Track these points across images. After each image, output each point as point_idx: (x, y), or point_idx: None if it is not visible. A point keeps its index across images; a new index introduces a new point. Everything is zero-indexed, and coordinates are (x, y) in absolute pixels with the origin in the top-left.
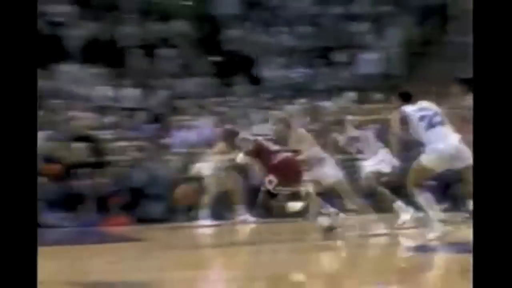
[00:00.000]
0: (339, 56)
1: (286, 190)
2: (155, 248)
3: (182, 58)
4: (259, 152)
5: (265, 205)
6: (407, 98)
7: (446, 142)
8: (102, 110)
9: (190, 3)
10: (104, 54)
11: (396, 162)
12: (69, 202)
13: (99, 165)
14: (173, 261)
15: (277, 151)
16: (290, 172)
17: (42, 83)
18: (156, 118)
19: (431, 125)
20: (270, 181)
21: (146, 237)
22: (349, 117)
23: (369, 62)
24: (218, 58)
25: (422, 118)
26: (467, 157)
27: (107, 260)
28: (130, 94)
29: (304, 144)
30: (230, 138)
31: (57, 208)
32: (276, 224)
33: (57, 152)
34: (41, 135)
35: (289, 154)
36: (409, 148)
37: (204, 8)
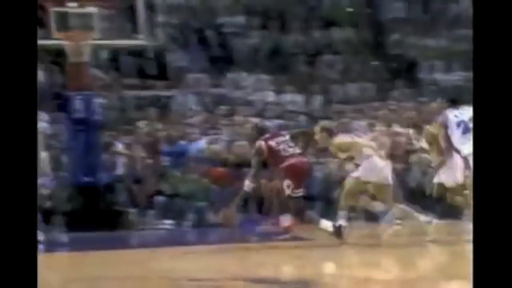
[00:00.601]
0: None
1: (299, 192)
2: (326, 246)
3: (344, 63)
4: (269, 155)
5: (298, 212)
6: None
7: None
8: (265, 114)
9: (354, 9)
10: (269, 61)
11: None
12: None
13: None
14: (348, 260)
15: (289, 155)
16: (299, 175)
17: (212, 90)
18: (317, 122)
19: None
20: (288, 186)
21: (313, 236)
22: None
23: None
24: (381, 63)
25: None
26: None
27: (278, 258)
28: (293, 99)
29: (355, 151)
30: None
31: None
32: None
33: (222, 155)
34: (205, 139)
35: (299, 158)
36: None
37: (368, 13)
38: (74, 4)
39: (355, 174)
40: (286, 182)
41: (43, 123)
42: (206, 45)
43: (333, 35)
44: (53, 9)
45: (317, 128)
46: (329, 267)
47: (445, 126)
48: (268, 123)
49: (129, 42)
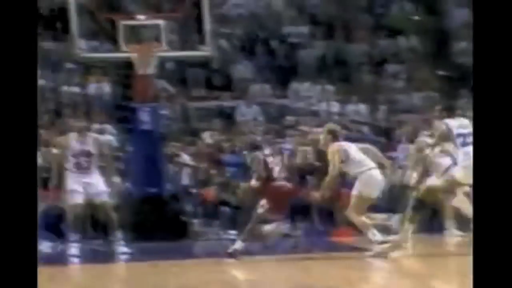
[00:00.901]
0: None
1: (274, 218)
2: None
3: (408, 72)
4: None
5: (252, 230)
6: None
7: None
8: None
9: (419, 17)
10: (333, 71)
11: None
12: (297, 212)
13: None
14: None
15: (274, 179)
16: (280, 200)
17: (276, 101)
18: (382, 132)
19: (466, 144)
20: (262, 206)
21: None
22: None
23: None
24: (446, 72)
25: (459, 135)
26: None
27: (342, 269)
28: (357, 109)
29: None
30: None
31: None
32: None
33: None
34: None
35: (284, 183)
36: None
37: (433, 21)
38: (142, 17)
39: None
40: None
41: (108, 135)
42: (271, 56)
43: (398, 44)
44: (122, 22)
45: (324, 129)
46: (398, 278)
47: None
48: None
49: (195, 53)
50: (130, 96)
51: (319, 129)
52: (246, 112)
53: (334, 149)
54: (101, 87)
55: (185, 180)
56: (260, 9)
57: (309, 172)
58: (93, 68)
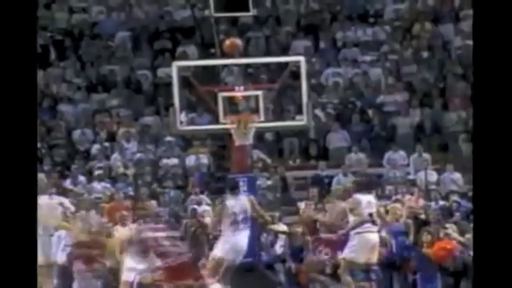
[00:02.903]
0: None
1: None
2: None
3: None
4: None
5: None
6: None
7: None
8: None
9: None
10: (430, 140)
11: None
12: None
13: None
14: None
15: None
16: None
17: (371, 170)
18: None
19: None
20: None
21: None
22: None
23: None
24: None
25: None
26: None
27: None
28: (455, 178)
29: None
30: None
31: None
32: None
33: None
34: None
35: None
36: None
37: None
38: (241, 88)
39: None
40: None
41: (205, 206)
42: (367, 124)
43: None
44: (221, 94)
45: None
46: None
47: None
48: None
49: (292, 123)
50: (228, 167)
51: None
52: (343, 181)
53: None
54: (199, 159)
55: (280, 249)
56: (357, 78)
57: None
58: (192, 140)
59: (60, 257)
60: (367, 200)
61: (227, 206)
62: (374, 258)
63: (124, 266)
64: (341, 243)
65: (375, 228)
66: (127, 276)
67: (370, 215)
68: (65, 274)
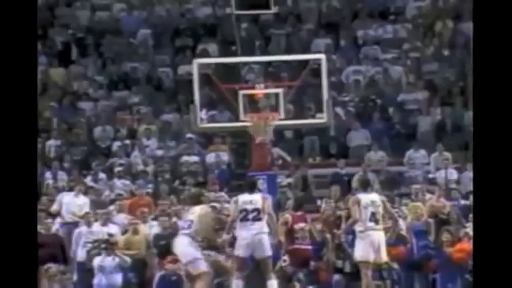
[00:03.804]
0: None
1: None
2: None
3: None
4: None
5: None
6: None
7: None
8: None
9: None
10: (451, 138)
11: None
12: None
13: None
14: None
15: None
16: None
17: (392, 168)
18: None
19: None
20: None
21: None
22: None
23: None
24: None
25: None
26: None
27: None
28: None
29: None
30: None
31: None
32: None
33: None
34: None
35: None
36: None
37: None
38: (261, 86)
39: None
40: None
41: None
42: (388, 122)
43: None
44: (242, 92)
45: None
46: None
47: None
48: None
49: (312, 121)
50: (248, 165)
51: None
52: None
53: None
54: (220, 156)
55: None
56: (377, 75)
57: None
58: (212, 137)
59: (80, 254)
60: (370, 199)
61: (239, 202)
62: (383, 257)
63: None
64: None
65: (379, 227)
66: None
67: (373, 214)
68: (85, 270)
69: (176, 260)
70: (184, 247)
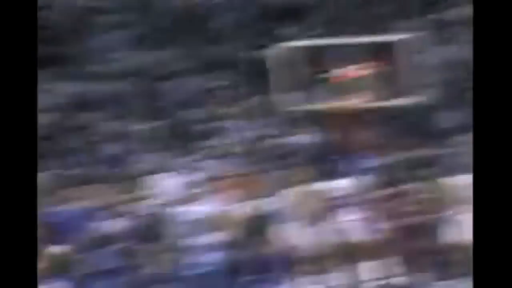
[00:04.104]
0: None
1: None
2: None
3: None
4: None
5: None
6: None
7: None
8: None
9: None
10: None
11: None
12: None
13: None
14: None
15: None
16: None
17: None
18: None
19: None
20: None
21: None
22: None
23: None
24: None
25: None
26: None
27: None
28: None
29: None
30: None
31: None
32: None
33: None
34: None
35: None
36: None
37: None
38: (349, 67)
39: None
40: None
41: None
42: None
43: None
44: (329, 74)
45: None
46: None
47: None
48: None
49: (400, 102)
50: (335, 147)
51: None
52: (449, 162)
53: None
54: (306, 138)
55: None
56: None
57: None
58: (299, 119)
59: (176, 234)
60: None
61: (331, 185)
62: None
63: None
64: None
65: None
66: None
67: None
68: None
69: (273, 242)
70: (278, 229)
